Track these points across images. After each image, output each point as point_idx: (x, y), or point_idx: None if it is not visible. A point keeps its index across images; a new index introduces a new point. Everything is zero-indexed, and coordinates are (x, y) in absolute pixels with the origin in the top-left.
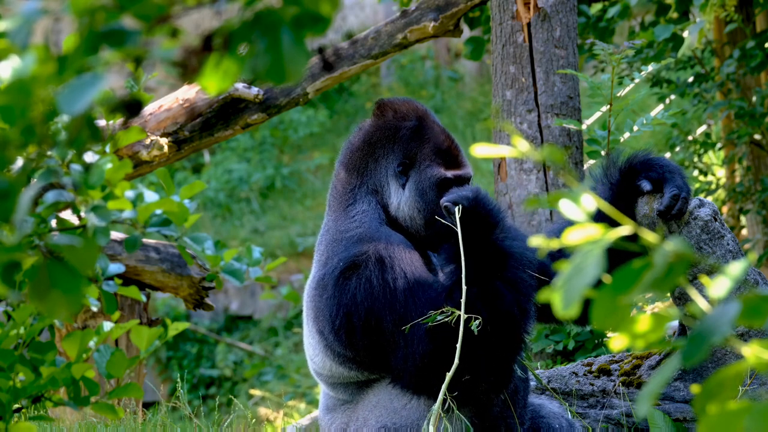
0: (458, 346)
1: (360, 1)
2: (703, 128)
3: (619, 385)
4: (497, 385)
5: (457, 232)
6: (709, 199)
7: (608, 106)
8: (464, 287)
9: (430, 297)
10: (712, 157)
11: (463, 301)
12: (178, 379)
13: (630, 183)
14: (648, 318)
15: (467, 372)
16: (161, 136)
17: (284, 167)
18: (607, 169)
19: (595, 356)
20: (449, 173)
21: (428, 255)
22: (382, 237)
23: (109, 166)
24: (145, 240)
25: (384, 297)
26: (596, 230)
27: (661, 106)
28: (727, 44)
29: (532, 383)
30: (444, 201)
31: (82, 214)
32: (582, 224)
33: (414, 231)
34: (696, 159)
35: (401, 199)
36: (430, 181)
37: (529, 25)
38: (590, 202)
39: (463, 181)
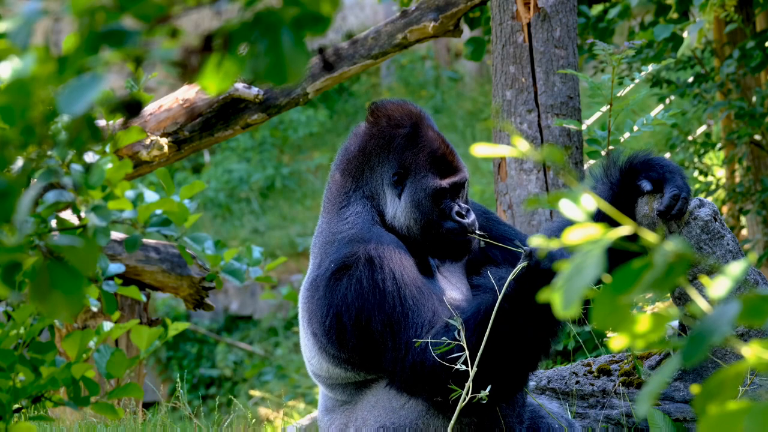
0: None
1: (360, 1)
2: (703, 128)
3: (619, 385)
4: (496, 401)
5: (517, 277)
6: (709, 199)
7: (608, 107)
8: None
9: (419, 300)
10: (712, 158)
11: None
12: (178, 379)
13: (630, 183)
14: (648, 318)
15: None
16: (161, 136)
17: (284, 167)
18: (607, 168)
19: (595, 356)
20: (445, 182)
21: (425, 257)
22: (373, 237)
23: (110, 166)
24: (145, 240)
25: (373, 297)
26: (596, 230)
27: (661, 107)
28: (727, 44)
29: (532, 383)
30: (531, 247)
31: (83, 214)
32: (582, 224)
33: (411, 239)
34: (696, 159)
35: (397, 209)
36: (425, 192)
37: (529, 25)
38: (590, 202)
39: (458, 187)
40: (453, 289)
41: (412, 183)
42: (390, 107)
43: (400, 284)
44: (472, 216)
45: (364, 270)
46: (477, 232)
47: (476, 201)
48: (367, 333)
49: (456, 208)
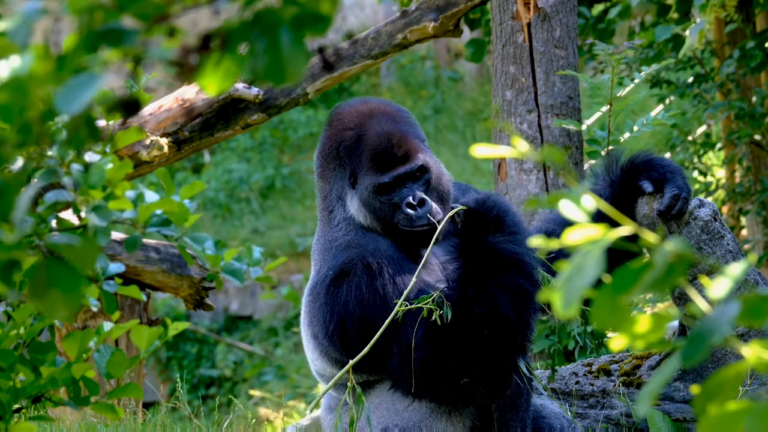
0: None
1: (360, 1)
2: (703, 129)
3: (619, 386)
4: (494, 390)
5: (460, 234)
6: (709, 199)
7: (608, 107)
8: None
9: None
10: (712, 158)
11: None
12: (178, 379)
13: (631, 182)
14: (648, 318)
15: (465, 374)
16: (161, 137)
17: (284, 167)
18: (608, 166)
19: (596, 356)
20: (386, 177)
21: (419, 250)
22: (369, 243)
23: (110, 166)
24: (145, 240)
25: (374, 303)
26: (596, 230)
27: (661, 107)
28: (727, 44)
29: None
30: (458, 203)
31: (83, 214)
32: (582, 224)
33: (385, 235)
34: (696, 159)
35: (356, 209)
36: (368, 191)
37: (529, 25)
38: (590, 202)
39: (405, 177)
40: (446, 267)
41: (360, 183)
42: (344, 110)
43: (401, 288)
44: (428, 205)
45: (363, 276)
46: (431, 218)
47: None
48: (372, 338)
49: (408, 199)
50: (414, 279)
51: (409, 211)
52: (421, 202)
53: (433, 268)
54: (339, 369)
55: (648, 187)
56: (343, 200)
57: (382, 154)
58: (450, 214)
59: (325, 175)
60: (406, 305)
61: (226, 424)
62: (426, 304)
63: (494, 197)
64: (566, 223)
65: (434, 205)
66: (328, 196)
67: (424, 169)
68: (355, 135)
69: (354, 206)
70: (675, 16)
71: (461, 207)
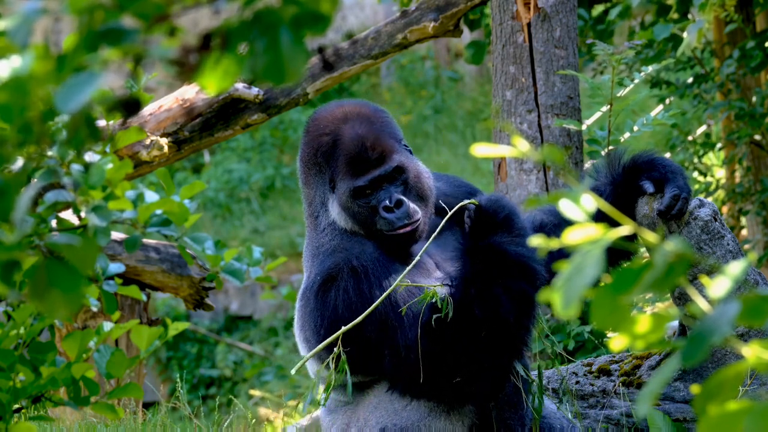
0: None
1: (360, 1)
2: (702, 129)
3: (619, 386)
4: (492, 389)
5: (468, 231)
6: (709, 199)
7: (608, 107)
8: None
9: (409, 302)
10: (712, 158)
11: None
12: (178, 379)
13: (632, 182)
14: (648, 318)
15: (464, 371)
16: (161, 137)
17: (284, 167)
18: (611, 164)
19: (596, 356)
20: (360, 180)
21: (407, 250)
22: (354, 246)
23: (110, 166)
24: (145, 240)
25: (362, 306)
26: (596, 230)
27: (660, 107)
28: (727, 44)
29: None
30: (467, 201)
31: (83, 214)
32: (581, 224)
33: (369, 238)
34: (696, 159)
35: (337, 214)
36: (345, 195)
37: (529, 25)
38: (590, 202)
39: (382, 180)
40: (442, 265)
41: (338, 188)
42: (320, 115)
43: (387, 289)
44: (406, 206)
45: (349, 280)
46: (411, 218)
47: None
48: (362, 342)
49: (385, 202)
50: (400, 278)
51: (387, 214)
52: (398, 204)
53: (427, 267)
54: (335, 372)
55: (649, 187)
56: (326, 205)
57: (356, 157)
58: (458, 206)
59: (308, 181)
60: (393, 305)
61: (226, 424)
62: (426, 300)
63: (505, 199)
64: (561, 215)
65: (411, 205)
66: (312, 202)
67: (400, 170)
68: (330, 140)
69: (335, 211)
70: (675, 16)
71: (472, 201)
